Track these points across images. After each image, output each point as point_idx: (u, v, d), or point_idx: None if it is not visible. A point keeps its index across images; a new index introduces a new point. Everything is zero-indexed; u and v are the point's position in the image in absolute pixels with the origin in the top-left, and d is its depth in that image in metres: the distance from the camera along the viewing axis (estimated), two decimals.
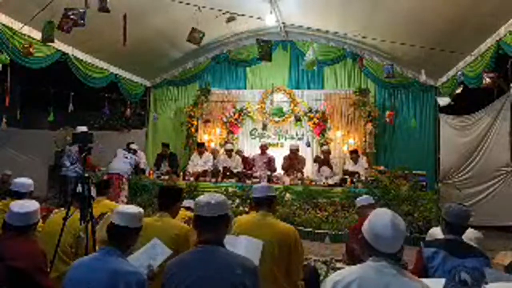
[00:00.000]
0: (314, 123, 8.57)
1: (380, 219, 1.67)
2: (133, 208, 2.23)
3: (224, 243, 1.96)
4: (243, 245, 2.32)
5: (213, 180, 7.26)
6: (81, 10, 4.47)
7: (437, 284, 2.01)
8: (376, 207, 3.97)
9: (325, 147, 7.91)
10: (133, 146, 7.39)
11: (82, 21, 4.50)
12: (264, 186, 2.86)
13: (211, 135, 9.11)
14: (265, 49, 6.17)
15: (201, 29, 5.47)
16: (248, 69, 9.33)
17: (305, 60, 6.42)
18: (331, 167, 7.61)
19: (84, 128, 6.38)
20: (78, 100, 8.42)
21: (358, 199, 3.99)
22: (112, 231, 2.14)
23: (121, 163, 6.97)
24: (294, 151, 7.72)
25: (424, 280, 2.04)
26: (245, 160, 8.13)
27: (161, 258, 2.36)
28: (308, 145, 8.47)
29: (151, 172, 7.67)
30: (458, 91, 6.40)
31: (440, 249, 2.39)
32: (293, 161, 7.70)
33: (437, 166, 8.07)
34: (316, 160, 7.93)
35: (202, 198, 1.98)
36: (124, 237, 2.14)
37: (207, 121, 8.99)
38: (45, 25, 4.83)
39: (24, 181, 3.49)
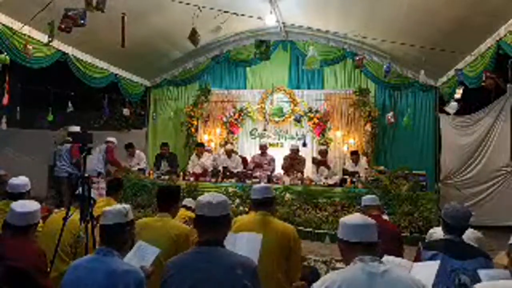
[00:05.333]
0: (314, 123, 8.57)
1: (348, 216, 1.86)
2: (118, 206, 2.23)
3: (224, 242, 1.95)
4: (244, 241, 2.30)
5: (213, 180, 7.26)
6: (81, 10, 4.47)
7: (430, 267, 2.00)
8: (380, 209, 3.95)
9: (321, 148, 7.92)
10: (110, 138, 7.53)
11: (82, 21, 4.49)
12: (263, 187, 2.85)
13: (211, 135, 9.11)
14: (263, 49, 6.19)
15: (201, 29, 5.47)
16: (248, 69, 9.33)
17: (306, 60, 6.43)
18: (328, 168, 7.61)
19: (77, 128, 6.44)
20: (78, 100, 8.42)
21: (363, 198, 3.93)
22: (103, 232, 2.14)
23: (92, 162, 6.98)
24: (294, 151, 7.71)
25: (419, 264, 2.05)
26: (244, 160, 8.14)
27: (151, 257, 2.37)
28: (304, 145, 8.46)
29: (151, 172, 7.68)
30: (458, 95, 6.39)
31: (439, 251, 2.38)
32: (293, 161, 7.70)
33: (437, 166, 8.08)
34: (313, 161, 7.93)
35: (203, 197, 1.95)
36: (115, 235, 2.13)
37: (206, 121, 9.00)
38: (49, 27, 4.83)
39: (19, 182, 3.41)
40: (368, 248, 1.70)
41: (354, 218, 1.80)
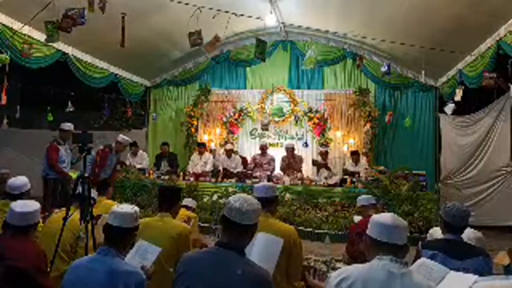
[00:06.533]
0: (314, 123, 8.57)
1: (382, 215, 1.82)
2: (128, 208, 2.20)
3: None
4: (263, 242, 2.24)
5: (213, 180, 7.26)
6: (80, 9, 4.47)
7: (465, 280, 1.95)
8: (377, 207, 3.97)
9: (321, 149, 7.92)
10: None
11: (82, 20, 4.50)
12: (265, 186, 2.80)
13: (211, 135, 9.12)
14: (262, 48, 6.16)
15: (201, 29, 5.46)
16: (248, 69, 9.33)
17: (305, 59, 6.43)
18: (329, 169, 7.61)
19: (70, 125, 6.14)
20: (78, 100, 8.41)
21: (359, 198, 3.96)
22: (108, 231, 2.13)
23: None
24: (290, 150, 7.71)
25: (454, 273, 2.01)
26: (244, 160, 8.14)
27: (152, 256, 2.36)
28: (306, 145, 8.46)
29: (151, 172, 7.68)
30: (458, 98, 6.40)
31: (439, 251, 2.38)
32: (291, 161, 7.69)
33: (437, 166, 8.08)
34: (314, 163, 7.92)
35: (235, 200, 1.84)
36: (120, 238, 2.13)
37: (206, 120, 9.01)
38: (47, 26, 4.83)
39: (18, 182, 3.39)
40: (394, 249, 1.69)
41: (387, 218, 1.77)
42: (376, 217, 1.80)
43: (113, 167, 6.46)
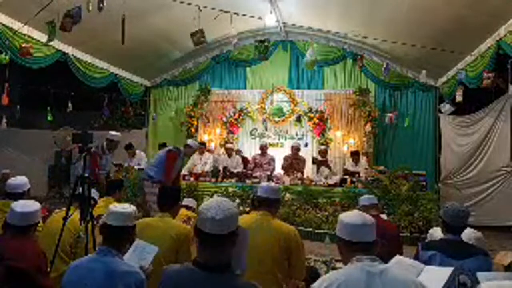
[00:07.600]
0: (314, 123, 8.57)
1: (348, 215, 1.80)
2: (125, 207, 2.19)
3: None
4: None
5: (213, 180, 7.26)
6: (77, 8, 4.49)
7: (442, 272, 1.98)
8: (378, 208, 3.95)
9: (321, 148, 7.93)
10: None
11: (79, 18, 4.52)
12: (269, 187, 2.76)
13: (211, 135, 9.12)
14: (262, 48, 6.16)
15: (202, 28, 5.46)
16: (248, 69, 9.34)
17: (306, 60, 6.43)
18: (329, 167, 7.62)
19: (117, 135, 5.98)
20: (78, 100, 8.42)
21: (361, 198, 3.91)
22: (107, 231, 2.12)
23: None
24: (295, 148, 7.69)
25: (430, 267, 2.04)
26: (245, 160, 8.14)
27: (150, 256, 2.35)
28: (306, 145, 8.47)
29: None
30: (460, 99, 6.39)
31: (438, 251, 2.38)
32: (294, 161, 7.69)
33: (437, 166, 8.08)
34: (314, 161, 7.93)
35: (207, 209, 1.56)
36: (119, 237, 2.13)
37: (206, 120, 8.99)
38: (48, 27, 4.84)
39: (17, 182, 3.38)
40: (367, 247, 1.68)
41: (354, 217, 1.75)
42: (345, 218, 1.76)
43: (178, 172, 5.87)
